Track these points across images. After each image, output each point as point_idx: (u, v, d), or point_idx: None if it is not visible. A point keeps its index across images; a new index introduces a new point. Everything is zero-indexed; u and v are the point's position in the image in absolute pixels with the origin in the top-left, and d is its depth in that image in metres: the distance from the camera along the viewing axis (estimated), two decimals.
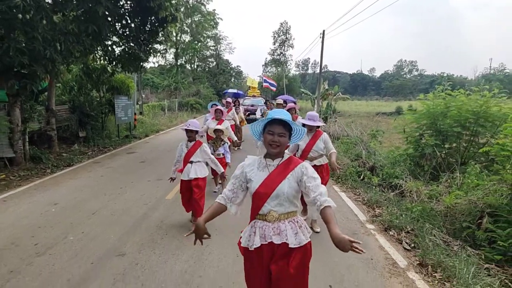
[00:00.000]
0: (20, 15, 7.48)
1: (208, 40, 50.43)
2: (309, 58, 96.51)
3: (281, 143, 2.13)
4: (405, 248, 4.43)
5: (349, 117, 25.66)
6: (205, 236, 2.13)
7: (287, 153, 2.25)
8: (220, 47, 53.11)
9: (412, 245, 4.49)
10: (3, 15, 7.52)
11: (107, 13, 9.76)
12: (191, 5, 40.89)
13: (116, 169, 8.84)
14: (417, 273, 3.80)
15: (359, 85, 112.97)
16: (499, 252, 4.22)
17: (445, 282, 3.58)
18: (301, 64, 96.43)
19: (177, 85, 38.60)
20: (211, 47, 51.89)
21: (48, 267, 3.74)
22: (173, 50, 39.98)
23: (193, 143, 4.74)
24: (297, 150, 4.93)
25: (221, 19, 53.95)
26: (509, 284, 3.67)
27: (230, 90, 22.16)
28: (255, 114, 20.51)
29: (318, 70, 25.56)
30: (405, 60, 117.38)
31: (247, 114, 20.27)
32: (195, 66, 51.02)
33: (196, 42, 44.81)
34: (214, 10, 45.95)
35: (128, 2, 11.17)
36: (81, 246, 4.26)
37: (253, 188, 2.17)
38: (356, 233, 4.88)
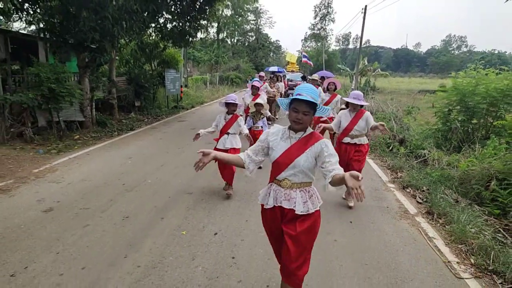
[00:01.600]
0: None
1: (248, 14, 50.74)
2: (350, 33, 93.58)
3: (304, 121, 2.26)
4: (418, 202, 5.32)
5: (388, 94, 25.60)
6: (203, 163, 2.36)
7: (310, 128, 2.39)
8: (260, 21, 53.31)
9: (425, 199, 5.35)
10: None
11: None
12: None
13: (171, 133, 10.16)
14: (423, 218, 4.71)
15: (402, 61, 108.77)
16: (499, 207, 5.00)
17: (445, 225, 4.47)
18: (341, 39, 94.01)
19: (218, 60, 39.72)
20: (251, 21, 52.22)
21: (137, 199, 5.00)
22: (214, 24, 40.87)
23: (231, 115, 5.07)
24: (339, 127, 4.98)
25: None
26: (501, 230, 4.48)
27: (271, 68, 22.70)
28: (293, 89, 21.01)
29: (359, 45, 25.61)
30: (454, 35, 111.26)
31: (286, 89, 20.94)
32: (235, 41, 51.76)
33: (237, 16, 45.34)
34: None
35: None
36: (158, 187, 5.52)
37: (273, 157, 2.36)
38: (378, 189, 5.81)
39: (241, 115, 5.60)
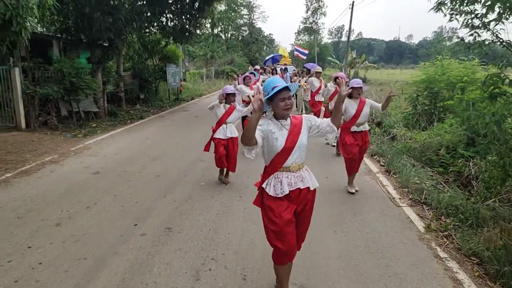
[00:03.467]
0: (112, 2, 10.02)
1: (242, 8, 51.79)
2: (343, 25, 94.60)
3: (291, 105, 2.54)
4: (381, 165, 6.77)
5: (379, 85, 27.01)
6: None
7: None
8: (253, 15, 54.37)
9: (387, 163, 6.79)
10: (96, 1, 10.07)
11: None
12: None
13: (178, 121, 11.55)
14: (382, 174, 6.18)
15: (395, 52, 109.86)
16: (444, 167, 6.46)
17: (398, 178, 5.91)
18: (334, 32, 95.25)
19: (213, 54, 40.91)
20: (244, 16, 53.29)
21: (163, 165, 6.42)
22: (209, 20, 41.95)
23: (229, 106, 5.33)
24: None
25: None
26: (441, 182, 5.92)
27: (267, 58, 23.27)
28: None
29: (352, 38, 26.97)
30: (445, 27, 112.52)
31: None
32: (229, 35, 52.86)
33: (231, 11, 46.43)
34: None
35: None
36: (177, 157, 6.94)
37: (280, 146, 2.52)
38: None
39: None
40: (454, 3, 4.40)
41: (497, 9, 3.78)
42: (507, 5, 3.41)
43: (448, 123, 8.09)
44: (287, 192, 2.53)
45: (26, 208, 4.47)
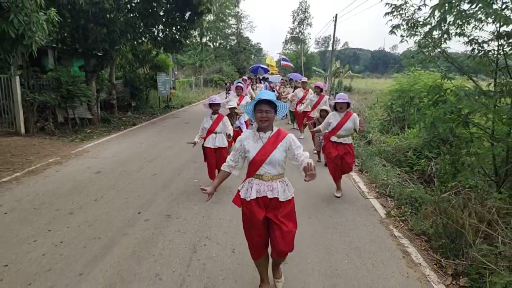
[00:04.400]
0: (108, 15, 10.67)
1: (230, 18, 52.84)
2: (329, 35, 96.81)
3: (269, 118, 2.63)
4: (355, 165, 7.52)
5: (364, 94, 28.09)
6: (210, 195, 2.85)
7: (275, 126, 2.77)
8: (241, 25, 55.51)
9: (361, 164, 7.57)
10: (93, 14, 10.70)
11: (163, 9, 12.93)
12: None
13: (169, 127, 12.20)
14: (355, 173, 6.95)
15: (380, 62, 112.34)
16: (410, 167, 7.27)
17: (368, 176, 6.68)
18: (321, 41, 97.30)
19: (201, 63, 41.67)
20: (232, 25, 54.36)
21: (158, 165, 7.06)
22: (198, 29, 42.77)
23: (216, 115, 5.44)
24: (329, 126, 5.45)
25: None
26: (408, 180, 6.70)
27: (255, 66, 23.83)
28: (273, 91, 23.16)
29: (339, 48, 27.96)
30: (427, 38, 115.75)
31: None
32: (217, 44, 53.78)
33: (219, 21, 47.40)
34: None
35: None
36: (171, 159, 7.60)
37: (251, 156, 2.71)
38: None
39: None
40: (409, 25, 5.23)
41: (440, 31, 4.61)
42: (443, 29, 4.23)
43: (417, 129, 8.95)
44: (254, 197, 2.73)
45: (40, 201, 5.08)
